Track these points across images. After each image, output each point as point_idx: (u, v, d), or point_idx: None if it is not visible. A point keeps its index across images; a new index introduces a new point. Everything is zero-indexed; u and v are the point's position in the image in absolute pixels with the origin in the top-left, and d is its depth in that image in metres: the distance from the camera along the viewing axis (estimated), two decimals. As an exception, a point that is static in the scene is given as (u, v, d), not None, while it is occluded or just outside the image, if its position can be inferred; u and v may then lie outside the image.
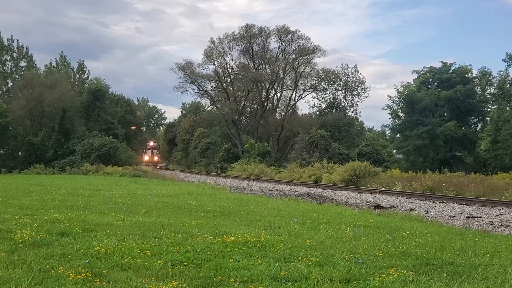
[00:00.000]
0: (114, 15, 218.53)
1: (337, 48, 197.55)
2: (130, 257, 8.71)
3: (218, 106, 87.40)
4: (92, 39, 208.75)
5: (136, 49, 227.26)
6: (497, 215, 21.50)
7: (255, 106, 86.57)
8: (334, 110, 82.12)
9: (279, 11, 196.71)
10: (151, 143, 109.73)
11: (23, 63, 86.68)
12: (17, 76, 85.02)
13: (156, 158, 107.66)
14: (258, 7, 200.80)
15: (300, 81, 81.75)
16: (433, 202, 27.21)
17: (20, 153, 69.28)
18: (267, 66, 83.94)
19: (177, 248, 9.58)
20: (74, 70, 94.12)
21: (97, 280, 7.30)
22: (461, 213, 22.39)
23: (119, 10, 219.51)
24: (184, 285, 7.21)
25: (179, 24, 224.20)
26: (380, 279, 7.68)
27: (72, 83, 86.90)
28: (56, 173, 57.88)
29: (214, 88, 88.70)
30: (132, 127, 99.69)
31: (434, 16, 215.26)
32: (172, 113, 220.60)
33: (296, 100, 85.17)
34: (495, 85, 70.86)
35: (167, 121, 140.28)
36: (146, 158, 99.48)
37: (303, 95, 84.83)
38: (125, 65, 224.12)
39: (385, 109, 69.37)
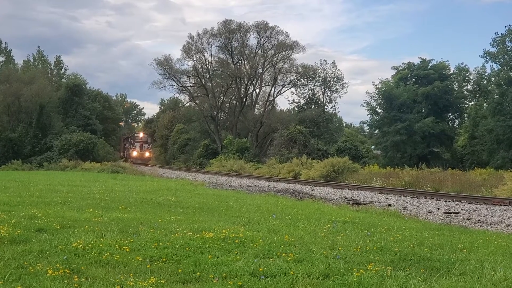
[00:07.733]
0: (84, 9, 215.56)
1: (312, 43, 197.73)
2: (108, 254, 8.67)
3: (197, 102, 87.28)
4: (62, 33, 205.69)
5: (108, 43, 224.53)
6: (474, 211, 21.66)
7: (234, 102, 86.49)
8: (312, 106, 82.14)
9: (254, 6, 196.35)
10: (141, 135, 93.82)
11: (0, 58, 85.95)
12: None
13: (147, 154, 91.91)
14: (233, 1, 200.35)
15: (279, 77, 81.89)
16: (411, 197, 27.36)
17: (-3, 149, 68.66)
18: (246, 62, 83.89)
19: (156, 244, 9.55)
20: (52, 66, 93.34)
21: (75, 277, 7.26)
22: (438, 209, 22.53)
23: (89, 3, 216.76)
24: (162, 281, 7.20)
25: (151, 19, 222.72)
26: (358, 274, 7.71)
27: (50, 78, 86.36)
28: (33, 169, 57.53)
29: (193, 84, 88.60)
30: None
31: (409, 12, 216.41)
32: (148, 109, 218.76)
33: (274, 96, 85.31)
34: (472, 81, 71.65)
35: (146, 117, 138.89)
36: (134, 154, 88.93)
37: (282, 91, 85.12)
38: (98, 60, 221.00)
39: (363, 105, 69.90)
